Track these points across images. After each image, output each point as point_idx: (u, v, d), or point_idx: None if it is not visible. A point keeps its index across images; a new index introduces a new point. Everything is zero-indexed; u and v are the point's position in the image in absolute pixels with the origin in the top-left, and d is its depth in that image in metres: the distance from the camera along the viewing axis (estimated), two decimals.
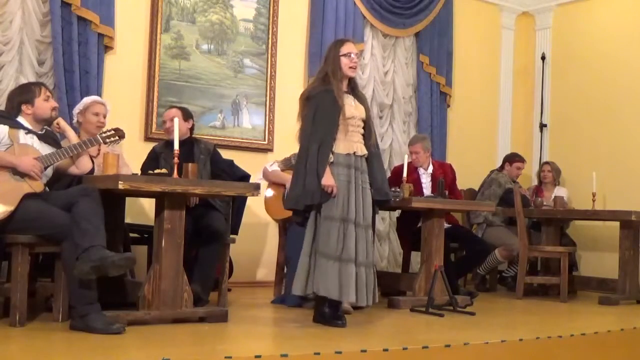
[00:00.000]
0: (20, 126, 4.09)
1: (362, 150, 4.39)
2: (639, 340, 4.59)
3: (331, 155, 4.27)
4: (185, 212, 4.19)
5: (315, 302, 4.42)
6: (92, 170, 4.26)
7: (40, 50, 5.50)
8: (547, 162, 7.47)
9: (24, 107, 4.14)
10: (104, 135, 4.30)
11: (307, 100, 4.38)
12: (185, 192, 4.12)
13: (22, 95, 4.19)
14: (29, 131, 4.11)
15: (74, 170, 4.24)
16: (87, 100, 4.93)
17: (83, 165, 4.22)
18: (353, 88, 4.49)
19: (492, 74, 8.12)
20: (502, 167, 7.12)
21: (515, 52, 8.30)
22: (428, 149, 6.24)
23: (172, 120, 4.89)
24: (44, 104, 4.17)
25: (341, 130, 4.32)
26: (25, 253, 3.85)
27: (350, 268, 4.19)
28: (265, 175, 5.63)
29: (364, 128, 4.44)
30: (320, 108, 4.30)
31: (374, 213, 4.52)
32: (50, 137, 4.24)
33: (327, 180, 4.22)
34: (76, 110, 4.89)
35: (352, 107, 4.38)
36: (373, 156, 4.46)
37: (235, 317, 4.40)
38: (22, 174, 3.92)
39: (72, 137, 4.36)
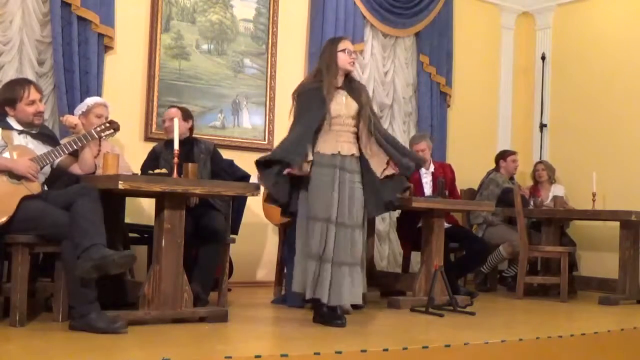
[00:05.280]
0: (11, 127, 4.02)
1: (348, 149, 4.34)
2: (639, 340, 4.59)
3: (310, 155, 4.24)
4: (185, 212, 4.19)
5: (313, 302, 4.41)
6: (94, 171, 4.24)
7: (40, 50, 5.49)
8: (540, 162, 7.50)
9: (7, 109, 4.03)
10: (98, 129, 4.17)
11: (297, 96, 4.38)
12: (185, 192, 4.12)
13: (4, 95, 4.06)
14: (21, 131, 4.04)
15: (76, 169, 4.18)
16: (89, 101, 4.88)
17: (85, 165, 4.16)
18: (350, 82, 4.44)
19: (492, 74, 8.12)
20: (497, 168, 7.11)
21: (515, 52, 8.29)
22: (430, 146, 6.29)
23: (171, 120, 4.88)
24: (25, 109, 4.02)
25: (326, 129, 4.29)
26: (25, 253, 3.85)
27: (326, 267, 4.18)
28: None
29: (356, 125, 4.38)
30: (306, 105, 4.30)
31: (372, 214, 4.49)
32: (45, 135, 4.16)
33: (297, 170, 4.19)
34: (78, 112, 4.83)
35: (340, 105, 4.33)
36: (383, 138, 4.38)
37: (235, 317, 4.40)
38: (18, 177, 3.87)
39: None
